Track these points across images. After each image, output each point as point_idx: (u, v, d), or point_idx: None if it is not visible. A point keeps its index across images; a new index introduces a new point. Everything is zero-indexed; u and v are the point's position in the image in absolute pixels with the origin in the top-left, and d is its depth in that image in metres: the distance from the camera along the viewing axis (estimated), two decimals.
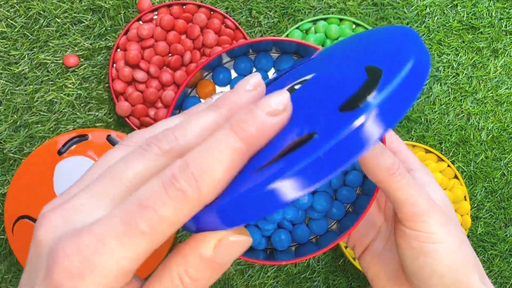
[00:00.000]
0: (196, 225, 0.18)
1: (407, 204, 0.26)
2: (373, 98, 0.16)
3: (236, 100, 0.19)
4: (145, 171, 0.18)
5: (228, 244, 0.17)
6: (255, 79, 0.19)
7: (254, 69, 0.36)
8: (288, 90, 0.23)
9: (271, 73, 0.36)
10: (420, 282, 0.27)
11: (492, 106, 0.57)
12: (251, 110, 0.17)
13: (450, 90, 0.57)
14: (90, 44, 0.54)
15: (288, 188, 0.15)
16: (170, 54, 0.53)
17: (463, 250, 0.26)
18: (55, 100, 0.53)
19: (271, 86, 0.26)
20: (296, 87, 0.23)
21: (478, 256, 0.56)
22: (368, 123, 0.15)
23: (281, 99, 0.18)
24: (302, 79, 0.24)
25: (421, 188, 0.26)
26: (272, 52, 0.36)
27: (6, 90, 0.53)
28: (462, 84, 0.57)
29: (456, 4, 0.57)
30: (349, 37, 0.27)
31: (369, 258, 0.33)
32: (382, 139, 0.28)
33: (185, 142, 0.18)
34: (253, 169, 0.17)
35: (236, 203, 0.16)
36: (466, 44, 0.57)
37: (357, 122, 0.15)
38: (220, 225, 0.17)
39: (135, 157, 0.18)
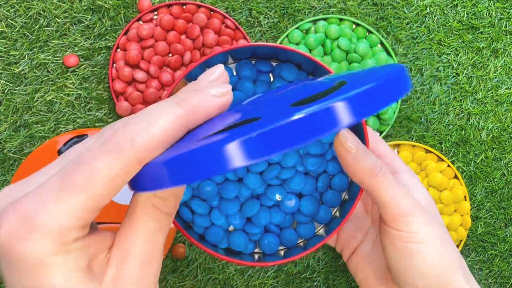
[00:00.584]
0: (144, 186, 0.18)
1: (390, 205, 0.26)
2: (326, 98, 0.18)
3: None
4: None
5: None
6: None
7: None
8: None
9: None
10: (405, 283, 0.27)
11: (492, 106, 0.57)
12: (195, 86, 0.19)
13: (450, 90, 0.57)
14: (90, 44, 0.54)
15: (232, 155, 0.16)
16: (170, 54, 0.53)
17: (446, 249, 0.26)
18: (55, 100, 0.53)
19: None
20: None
21: (478, 256, 0.56)
22: (312, 117, 0.17)
23: (224, 82, 0.20)
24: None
25: (404, 189, 0.27)
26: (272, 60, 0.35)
27: (6, 90, 0.53)
28: (462, 84, 0.57)
29: (456, 4, 0.57)
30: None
31: (357, 260, 0.33)
32: (365, 142, 0.29)
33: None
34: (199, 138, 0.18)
35: (182, 159, 0.17)
36: (466, 44, 0.57)
37: (300, 114, 0.16)
38: (167, 182, 0.17)
39: (90, 139, 0.19)
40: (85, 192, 0.17)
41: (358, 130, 0.30)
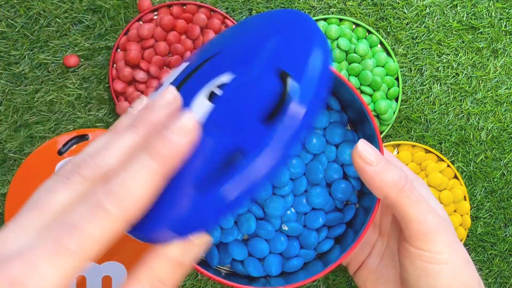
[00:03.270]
0: (154, 239, 0.20)
1: (415, 222, 0.25)
2: (289, 109, 0.19)
3: (153, 119, 0.20)
4: (70, 199, 0.19)
5: (193, 245, 0.20)
6: (169, 95, 0.21)
7: None
8: (208, 95, 0.24)
9: None
10: None
11: (492, 106, 0.57)
12: (163, 136, 0.19)
13: (450, 90, 0.57)
14: (90, 44, 0.54)
15: (230, 194, 0.19)
16: (170, 54, 0.53)
17: (468, 271, 0.26)
18: (55, 100, 0.53)
19: (186, 88, 0.26)
20: (216, 91, 0.24)
21: (478, 256, 0.57)
22: (286, 136, 0.19)
23: (189, 122, 0.20)
24: (219, 81, 0.24)
25: (430, 205, 0.25)
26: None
27: (6, 90, 0.53)
28: (462, 84, 0.57)
29: (456, 4, 0.57)
30: (244, 21, 0.28)
31: (365, 275, 0.32)
32: (379, 149, 0.27)
33: (106, 166, 0.19)
34: (190, 183, 0.20)
35: (188, 217, 0.19)
36: (466, 44, 0.57)
37: (279, 137, 0.19)
38: (177, 237, 0.19)
39: (59, 187, 0.19)
40: (79, 255, 0.17)
41: (370, 137, 0.28)
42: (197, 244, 0.20)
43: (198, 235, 0.20)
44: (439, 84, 0.57)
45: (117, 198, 0.18)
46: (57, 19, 0.53)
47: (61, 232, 0.17)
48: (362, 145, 0.24)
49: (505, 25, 0.57)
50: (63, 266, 0.17)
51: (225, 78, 0.24)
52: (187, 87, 0.26)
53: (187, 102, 0.24)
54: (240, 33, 0.26)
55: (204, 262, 0.32)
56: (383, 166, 0.24)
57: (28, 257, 0.17)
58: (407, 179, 0.25)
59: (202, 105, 0.23)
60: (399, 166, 0.29)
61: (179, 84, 0.26)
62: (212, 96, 0.24)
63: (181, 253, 0.19)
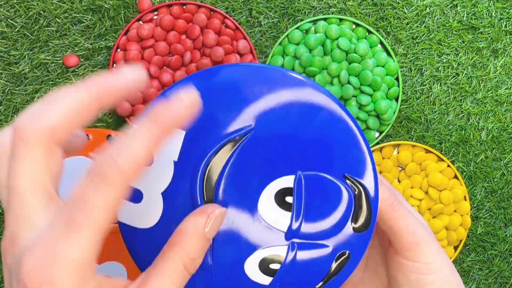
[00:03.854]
0: None
1: (405, 233, 0.26)
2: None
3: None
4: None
5: (215, 217, 0.22)
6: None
7: None
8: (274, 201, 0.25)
9: None
10: None
11: (492, 106, 0.57)
12: (166, 105, 0.20)
13: (450, 90, 0.57)
14: (90, 44, 0.54)
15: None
16: (170, 54, 0.53)
17: (454, 276, 0.27)
18: None
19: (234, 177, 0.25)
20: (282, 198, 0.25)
21: (478, 256, 0.57)
22: None
23: (191, 96, 0.20)
24: (281, 185, 0.25)
25: (415, 217, 0.27)
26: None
27: (6, 90, 0.53)
28: (462, 84, 0.57)
29: (456, 4, 0.57)
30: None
31: None
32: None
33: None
34: None
35: None
36: (466, 44, 0.57)
37: None
38: None
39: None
40: (90, 228, 0.18)
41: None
42: (218, 216, 0.22)
43: (215, 206, 0.22)
44: (439, 84, 0.57)
45: (114, 159, 0.18)
46: (57, 19, 0.53)
47: (70, 209, 0.18)
48: None
49: (505, 25, 0.57)
50: (80, 242, 0.18)
51: (287, 182, 0.24)
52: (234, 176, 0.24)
53: (251, 201, 0.24)
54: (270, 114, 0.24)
55: None
56: None
57: (46, 242, 0.18)
58: (395, 196, 0.26)
59: (276, 214, 0.24)
60: (386, 183, 0.30)
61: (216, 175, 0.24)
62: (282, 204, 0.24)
63: (205, 227, 0.21)
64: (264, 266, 0.24)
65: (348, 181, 0.24)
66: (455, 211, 0.54)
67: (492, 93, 0.57)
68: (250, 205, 0.24)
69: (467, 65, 0.57)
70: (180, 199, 0.24)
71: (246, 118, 0.24)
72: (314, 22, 0.54)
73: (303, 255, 0.24)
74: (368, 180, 0.24)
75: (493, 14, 0.57)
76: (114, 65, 0.53)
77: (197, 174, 0.24)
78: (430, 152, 0.54)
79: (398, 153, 0.54)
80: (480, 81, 0.57)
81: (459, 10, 0.57)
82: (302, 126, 0.24)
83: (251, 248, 0.24)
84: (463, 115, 0.57)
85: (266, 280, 0.24)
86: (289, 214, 0.24)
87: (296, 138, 0.24)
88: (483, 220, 0.56)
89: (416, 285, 0.26)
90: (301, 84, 0.24)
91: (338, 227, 0.24)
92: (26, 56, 0.53)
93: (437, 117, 0.56)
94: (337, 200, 0.24)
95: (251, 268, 0.24)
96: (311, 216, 0.24)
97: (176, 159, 0.24)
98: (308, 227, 0.24)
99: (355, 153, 0.24)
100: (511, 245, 0.56)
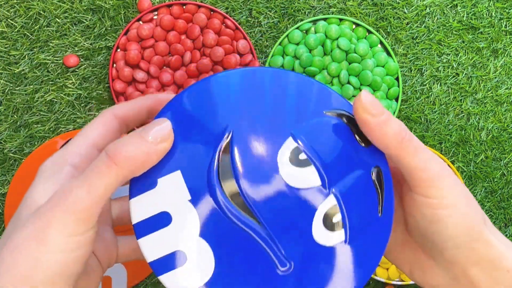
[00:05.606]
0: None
1: (418, 170, 0.25)
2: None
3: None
4: None
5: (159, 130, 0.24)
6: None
7: None
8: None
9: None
10: (434, 247, 0.26)
11: (492, 106, 0.57)
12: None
13: (450, 90, 0.57)
14: (90, 44, 0.54)
15: None
16: (170, 54, 0.53)
17: (472, 207, 0.26)
18: (55, 100, 0.53)
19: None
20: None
21: None
22: None
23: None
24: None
25: (429, 151, 0.26)
26: None
27: (6, 90, 0.53)
28: (462, 84, 0.57)
29: (456, 4, 0.57)
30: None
31: None
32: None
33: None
34: None
35: None
36: (466, 44, 0.57)
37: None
38: None
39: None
40: (89, 197, 0.21)
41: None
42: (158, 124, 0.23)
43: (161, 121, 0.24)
44: (439, 84, 0.57)
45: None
46: (57, 19, 0.53)
47: (72, 187, 0.22)
48: (366, 96, 0.24)
49: (505, 25, 0.57)
50: (79, 209, 0.21)
51: (290, 144, 0.25)
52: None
53: (276, 180, 0.24)
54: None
55: None
56: (385, 118, 0.24)
57: (44, 218, 0.21)
58: (407, 130, 0.25)
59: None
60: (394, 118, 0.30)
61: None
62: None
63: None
64: (328, 222, 0.24)
65: (329, 113, 0.25)
66: None
67: (492, 93, 0.57)
68: (277, 183, 0.24)
69: (467, 65, 0.57)
70: (224, 232, 0.24)
71: (221, 121, 0.25)
72: (314, 22, 0.54)
73: (349, 192, 0.25)
74: (348, 107, 0.25)
75: (493, 14, 0.57)
76: (114, 65, 0.53)
77: (215, 191, 0.24)
78: None
79: None
80: (480, 81, 0.57)
81: (459, 10, 0.57)
82: (282, 95, 0.25)
83: (311, 212, 0.24)
84: (463, 115, 0.57)
85: (338, 236, 0.24)
86: (311, 168, 0.24)
87: (278, 106, 0.25)
88: None
89: (432, 220, 0.26)
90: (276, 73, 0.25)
91: (353, 150, 0.25)
92: (26, 56, 0.53)
93: (437, 117, 0.56)
94: (337, 132, 0.25)
95: (319, 230, 0.24)
96: (328, 158, 0.25)
97: (189, 198, 0.24)
98: (331, 168, 0.25)
99: (330, 94, 0.25)
100: None
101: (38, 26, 0.53)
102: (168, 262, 0.23)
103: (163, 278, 0.23)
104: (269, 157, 0.24)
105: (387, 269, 0.54)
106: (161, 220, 0.23)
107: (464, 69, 0.57)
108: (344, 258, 0.24)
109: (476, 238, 0.26)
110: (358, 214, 0.24)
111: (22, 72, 0.53)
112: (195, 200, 0.24)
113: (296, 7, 0.55)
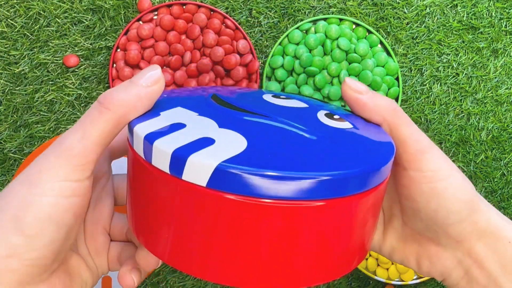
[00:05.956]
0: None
1: (410, 141, 0.26)
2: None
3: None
4: None
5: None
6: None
7: None
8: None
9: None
10: (438, 228, 0.26)
11: (492, 106, 0.57)
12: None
13: (450, 90, 0.57)
14: (90, 44, 0.54)
15: None
16: (170, 54, 0.53)
17: (465, 179, 0.26)
18: (55, 100, 0.53)
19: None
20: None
21: None
22: None
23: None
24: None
25: (416, 126, 0.27)
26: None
27: (6, 90, 0.53)
28: (462, 84, 0.57)
29: (456, 4, 0.57)
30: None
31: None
32: None
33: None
34: None
35: None
36: (466, 44, 0.57)
37: None
38: None
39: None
40: (83, 143, 0.22)
41: None
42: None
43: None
44: (439, 84, 0.57)
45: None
46: (57, 19, 0.53)
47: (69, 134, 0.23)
48: (350, 79, 0.26)
49: (505, 25, 0.57)
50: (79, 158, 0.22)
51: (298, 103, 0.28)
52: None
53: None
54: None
55: None
56: (373, 93, 0.26)
57: (43, 165, 0.22)
58: (395, 102, 0.26)
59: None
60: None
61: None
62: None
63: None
64: (331, 116, 0.26)
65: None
66: None
67: (492, 93, 0.57)
68: (268, 105, 0.27)
69: (467, 65, 0.57)
70: None
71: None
72: (314, 22, 0.54)
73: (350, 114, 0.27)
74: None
75: (493, 14, 0.57)
76: (114, 65, 0.53)
77: (222, 107, 0.26)
78: None
79: None
80: (480, 81, 0.57)
81: (459, 10, 0.57)
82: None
83: (313, 112, 0.26)
84: (463, 115, 0.57)
85: (345, 124, 0.25)
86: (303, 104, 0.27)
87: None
88: None
89: (430, 194, 0.25)
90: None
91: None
92: (26, 56, 0.53)
93: (437, 117, 0.56)
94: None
95: (326, 120, 0.25)
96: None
97: (197, 114, 0.24)
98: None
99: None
100: None
101: (38, 26, 0.53)
102: (194, 146, 0.20)
103: (193, 157, 0.19)
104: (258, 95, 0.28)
105: (387, 269, 0.54)
106: (175, 126, 0.22)
107: (464, 69, 0.57)
108: (362, 133, 0.24)
109: (475, 209, 0.26)
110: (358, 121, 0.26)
111: (22, 72, 0.53)
112: (203, 114, 0.23)
113: (296, 7, 0.55)
